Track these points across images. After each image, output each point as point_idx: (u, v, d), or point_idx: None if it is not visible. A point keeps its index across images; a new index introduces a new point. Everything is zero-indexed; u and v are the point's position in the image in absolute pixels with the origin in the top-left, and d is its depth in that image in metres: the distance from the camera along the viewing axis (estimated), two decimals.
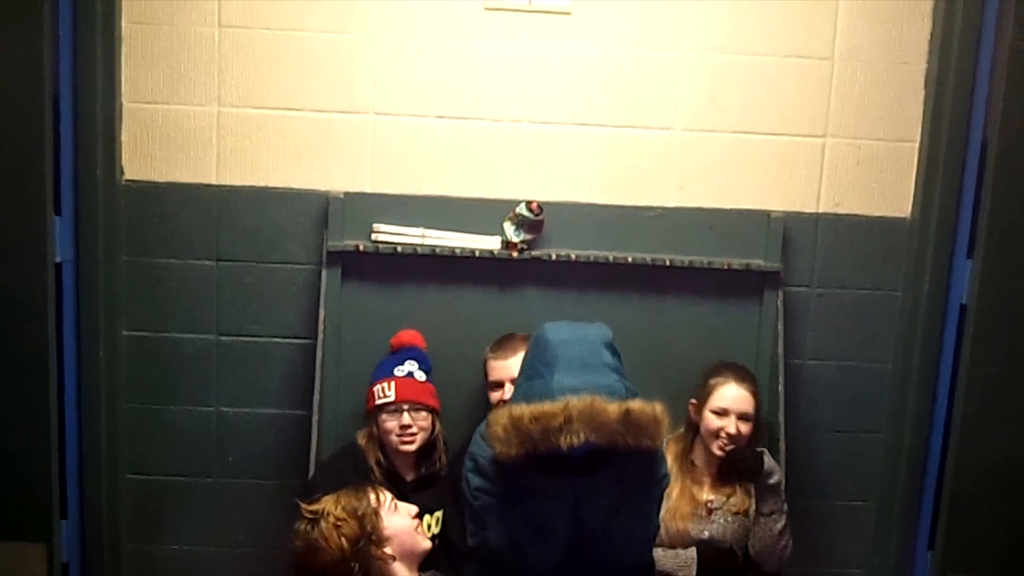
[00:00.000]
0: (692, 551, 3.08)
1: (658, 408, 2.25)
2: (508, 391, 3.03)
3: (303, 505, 2.49)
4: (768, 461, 3.07)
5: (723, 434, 3.10)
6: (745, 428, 3.11)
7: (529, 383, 2.29)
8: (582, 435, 2.17)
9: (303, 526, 2.46)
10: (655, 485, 2.43)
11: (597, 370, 2.27)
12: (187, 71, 3.23)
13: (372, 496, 2.49)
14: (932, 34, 3.32)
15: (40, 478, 3.09)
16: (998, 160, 3.22)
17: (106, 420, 3.31)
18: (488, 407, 3.19)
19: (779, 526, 3.07)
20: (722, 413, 3.12)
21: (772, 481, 3.07)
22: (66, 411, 3.22)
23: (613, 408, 2.19)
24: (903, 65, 3.34)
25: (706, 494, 3.15)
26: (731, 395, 3.13)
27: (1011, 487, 3.39)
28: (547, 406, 2.19)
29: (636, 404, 2.22)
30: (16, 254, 3.00)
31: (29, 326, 3.04)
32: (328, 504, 2.46)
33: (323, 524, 2.43)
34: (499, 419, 2.24)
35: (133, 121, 3.24)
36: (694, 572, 3.05)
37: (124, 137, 3.24)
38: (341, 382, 3.32)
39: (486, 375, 3.21)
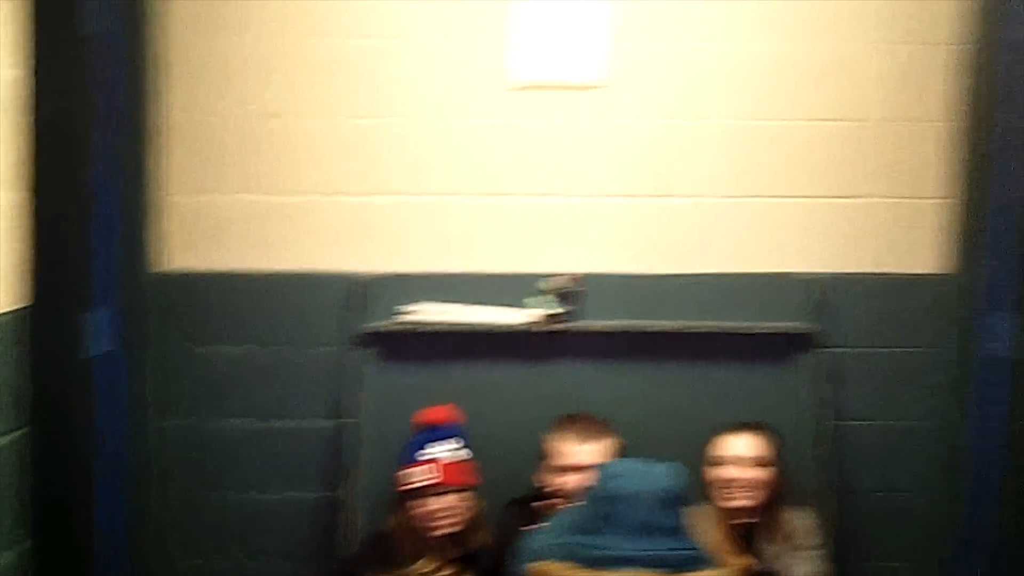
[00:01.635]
0: None
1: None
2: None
3: None
4: None
5: (719, 482, 3.07)
6: (742, 474, 3.06)
7: (582, 537, 2.18)
8: None
9: None
10: None
11: (651, 536, 2.13)
12: (223, 161, 3.29)
13: None
14: (959, 89, 3.34)
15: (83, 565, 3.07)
16: None
17: (158, 513, 3.33)
18: (529, 488, 3.15)
19: None
20: (718, 462, 3.10)
21: None
22: (100, 499, 3.21)
23: None
24: (927, 124, 3.35)
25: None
26: (727, 443, 3.11)
27: None
28: None
29: None
30: (55, 348, 3.01)
31: (69, 420, 3.04)
32: None
33: None
34: (548, 572, 2.15)
35: (171, 212, 3.29)
36: None
37: (163, 228, 3.29)
38: (377, 463, 3.28)
39: (545, 455, 3.14)
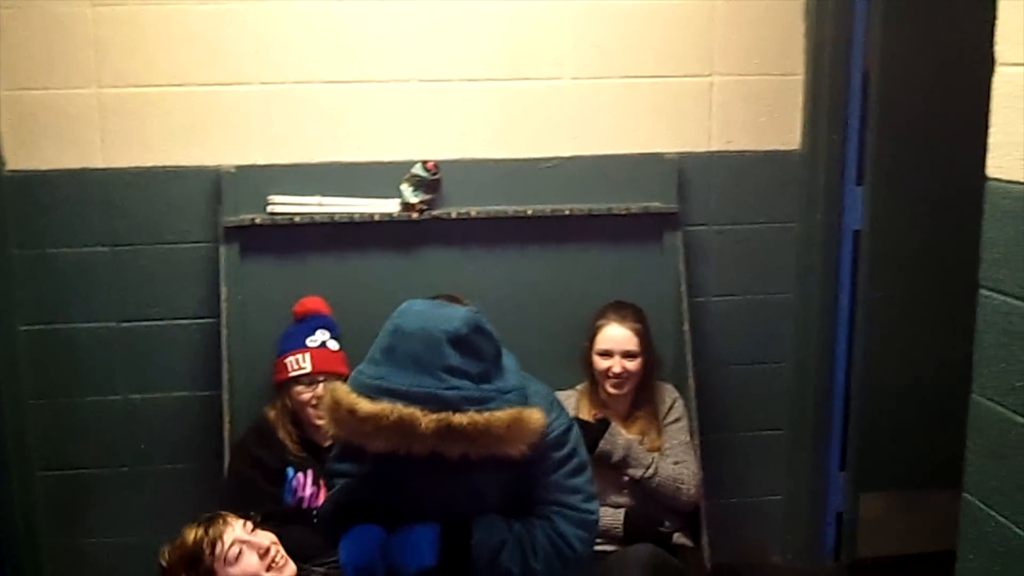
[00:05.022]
0: (620, 513, 3.11)
1: (494, 417, 2.05)
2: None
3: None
4: (607, 442, 3.06)
5: (610, 374, 3.16)
6: (631, 365, 3.15)
7: (364, 366, 2.14)
8: (389, 445, 2.04)
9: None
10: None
11: (430, 372, 2.06)
12: (63, 54, 3.14)
13: (219, 545, 2.34)
14: None
15: None
16: (879, 90, 3.30)
17: (11, 419, 3.24)
18: None
19: (655, 483, 3.08)
20: (606, 354, 3.17)
21: (614, 460, 3.08)
22: None
23: (428, 421, 2.00)
24: (778, 1, 3.38)
25: None
26: (612, 335, 3.17)
27: (913, 406, 3.51)
28: (362, 405, 2.05)
29: (458, 418, 2.02)
30: None
31: None
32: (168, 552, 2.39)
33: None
34: (331, 391, 2.12)
35: (11, 109, 3.15)
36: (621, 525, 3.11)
37: (3, 126, 3.15)
38: (248, 358, 3.28)
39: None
